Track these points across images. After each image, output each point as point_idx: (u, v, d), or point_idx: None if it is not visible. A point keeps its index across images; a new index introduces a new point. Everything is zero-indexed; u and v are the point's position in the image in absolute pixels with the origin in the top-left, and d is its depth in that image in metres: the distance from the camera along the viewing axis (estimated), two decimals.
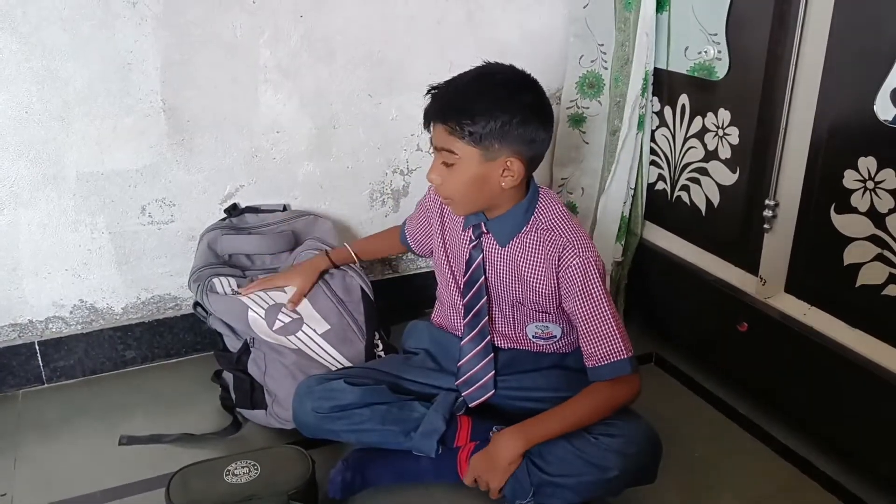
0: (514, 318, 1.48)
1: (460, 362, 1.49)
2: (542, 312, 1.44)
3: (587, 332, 1.35)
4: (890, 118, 1.31)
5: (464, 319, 1.49)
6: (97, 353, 1.82)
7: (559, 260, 1.37)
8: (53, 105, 1.62)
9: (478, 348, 1.48)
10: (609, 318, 1.34)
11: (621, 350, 1.33)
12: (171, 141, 1.74)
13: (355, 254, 1.71)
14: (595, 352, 1.34)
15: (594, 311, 1.34)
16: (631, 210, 1.95)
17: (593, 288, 1.35)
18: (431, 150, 1.37)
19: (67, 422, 1.67)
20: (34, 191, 1.67)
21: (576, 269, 1.35)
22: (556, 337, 1.48)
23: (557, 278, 1.38)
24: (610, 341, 1.33)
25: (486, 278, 1.45)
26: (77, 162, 1.68)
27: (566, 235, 1.37)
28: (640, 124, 1.87)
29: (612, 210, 1.93)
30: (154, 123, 1.71)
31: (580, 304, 1.35)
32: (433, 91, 1.33)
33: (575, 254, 1.35)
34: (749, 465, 1.53)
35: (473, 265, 1.45)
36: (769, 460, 1.54)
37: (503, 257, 1.43)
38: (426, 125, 1.35)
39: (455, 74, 1.35)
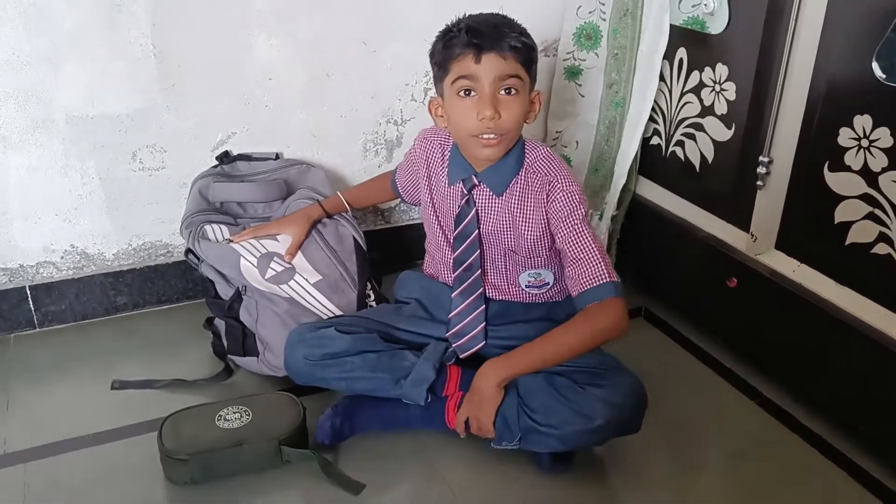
0: (506, 268, 1.48)
1: (451, 314, 1.50)
2: (535, 258, 1.45)
3: (571, 258, 1.37)
4: (886, 76, 1.30)
5: (454, 272, 1.50)
6: (88, 299, 1.82)
7: (547, 197, 1.39)
8: (42, 47, 1.59)
9: (469, 300, 1.49)
10: (591, 244, 1.36)
11: (604, 273, 1.34)
12: (161, 86, 1.71)
13: (347, 202, 1.71)
14: (579, 276, 1.35)
15: (577, 238, 1.37)
16: None
17: (576, 216, 1.38)
18: (465, 89, 1.32)
19: (59, 366, 1.68)
20: (23, 134, 1.65)
21: (561, 200, 1.38)
22: (548, 284, 1.49)
23: (547, 214, 1.40)
24: (592, 265, 1.34)
25: (478, 231, 1.45)
26: (66, 105, 1.65)
27: (552, 172, 1.40)
28: (633, 78, 1.85)
29: (622, 163, 1.92)
30: (144, 67, 1.68)
31: (564, 231, 1.38)
32: (477, 21, 1.31)
33: (560, 187, 1.39)
34: (733, 419, 1.56)
35: (466, 219, 1.45)
36: (753, 414, 1.56)
37: (499, 206, 1.43)
38: (478, 56, 1.29)
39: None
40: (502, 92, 1.32)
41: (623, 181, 1.90)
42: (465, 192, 1.44)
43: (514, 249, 1.45)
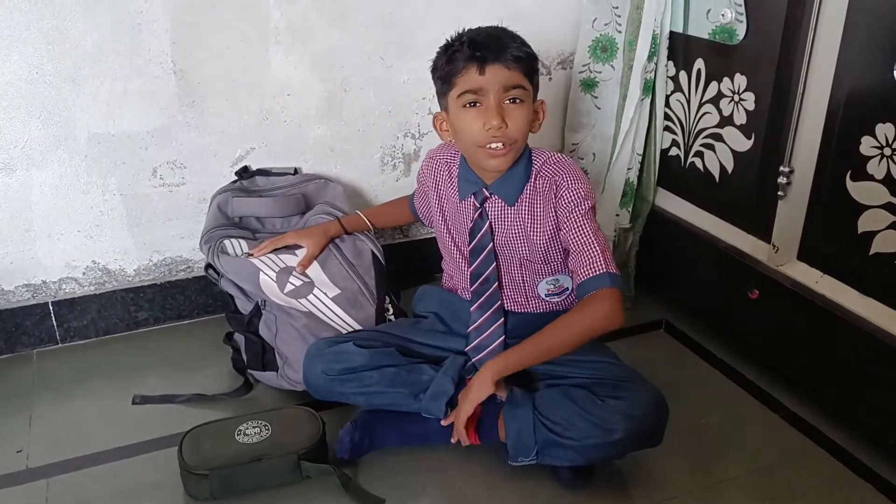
0: (523, 279, 1.48)
1: (470, 327, 1.50)
2: (551, 262, 1.45)
3: (573, 251, 1.37)
4: None
5: (471, 287, 1.49)
6: (110, 314, 1.84)
7: (555, 195, 1.39)
8: (64, 66, 1.61)
9: (487, 314, 1.49)
10: (591, 236, 1.36)
11: (601, 264, 1.33)
12: (181, 103, 1.73)
13: (369, 221, 1.72)
14: (577, 267, 1.36)
15: (579, 231, 1.37)
16: (641, 176, 1.93)
17: (580, 210, 1.38)
18: (471, 102, 1.33)
19: (81, 381, 1.69)
20: (46, 152, 1.67)
21: (567, 197, 1.38)
22: (567, 289, 1.49)
23: (555, 211, 1.40)
24: (590, 256, 1.34)
25: (493, 244, 1.45)
26: (88, 123, 1.68)
27: (559, 172, 1.41)
28: (647, 89, 1.84)
29: (616, 176, 1.91)
30: (164, 85, 1.70)
31: (568, 225, 1.38)
32: (479, 34, 1.33)
33: (566, 184, 1.39)
34: (757, 433, 1.53)
35: (480, 233, 1.45)
36: (777, 428, 1.54)
37: (511, 216, 1.43)
38: (482, 68, 1.30)
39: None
40: (507, 101, 1.33)
41: (619, 189, 1.90)
42: (478, 205, 1.44)
43: (528, 258, 1.45)
